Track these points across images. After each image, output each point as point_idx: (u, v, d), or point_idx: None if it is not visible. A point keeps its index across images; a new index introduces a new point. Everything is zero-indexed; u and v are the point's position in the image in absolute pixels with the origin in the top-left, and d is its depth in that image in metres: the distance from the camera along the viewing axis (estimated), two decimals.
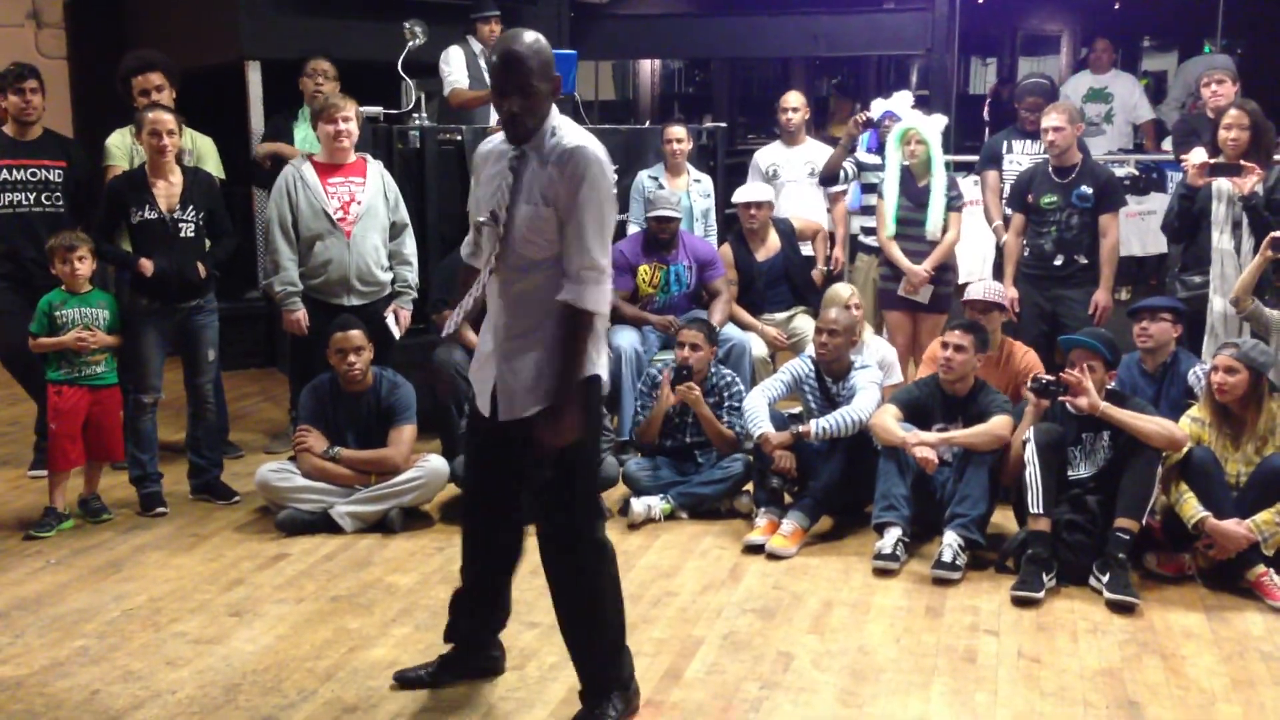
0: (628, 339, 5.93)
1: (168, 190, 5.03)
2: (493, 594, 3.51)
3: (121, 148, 5.60)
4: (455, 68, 6.62)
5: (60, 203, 5.43)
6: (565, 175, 2.97)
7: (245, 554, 4.64)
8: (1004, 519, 4.76)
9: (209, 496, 5.26)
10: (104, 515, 5.00)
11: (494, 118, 6.47)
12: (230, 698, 3.44)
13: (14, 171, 5.34)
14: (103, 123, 5.93)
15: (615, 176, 3.13)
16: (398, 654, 3.72)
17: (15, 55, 6.97)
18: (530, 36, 3.03)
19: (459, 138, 6.38)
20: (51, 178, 5.41)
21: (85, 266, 4.88)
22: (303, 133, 6.17)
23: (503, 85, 3.01)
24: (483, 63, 6.70)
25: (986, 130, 9.57)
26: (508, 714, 3.35)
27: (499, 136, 3.19)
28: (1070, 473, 4.47)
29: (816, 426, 4.80)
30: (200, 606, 4.12)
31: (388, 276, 5.47)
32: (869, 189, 6.55)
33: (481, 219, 3.12)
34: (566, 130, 3.05)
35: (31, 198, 5.37)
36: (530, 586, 4.26)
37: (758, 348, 6.07)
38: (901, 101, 6.55)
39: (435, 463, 4.99)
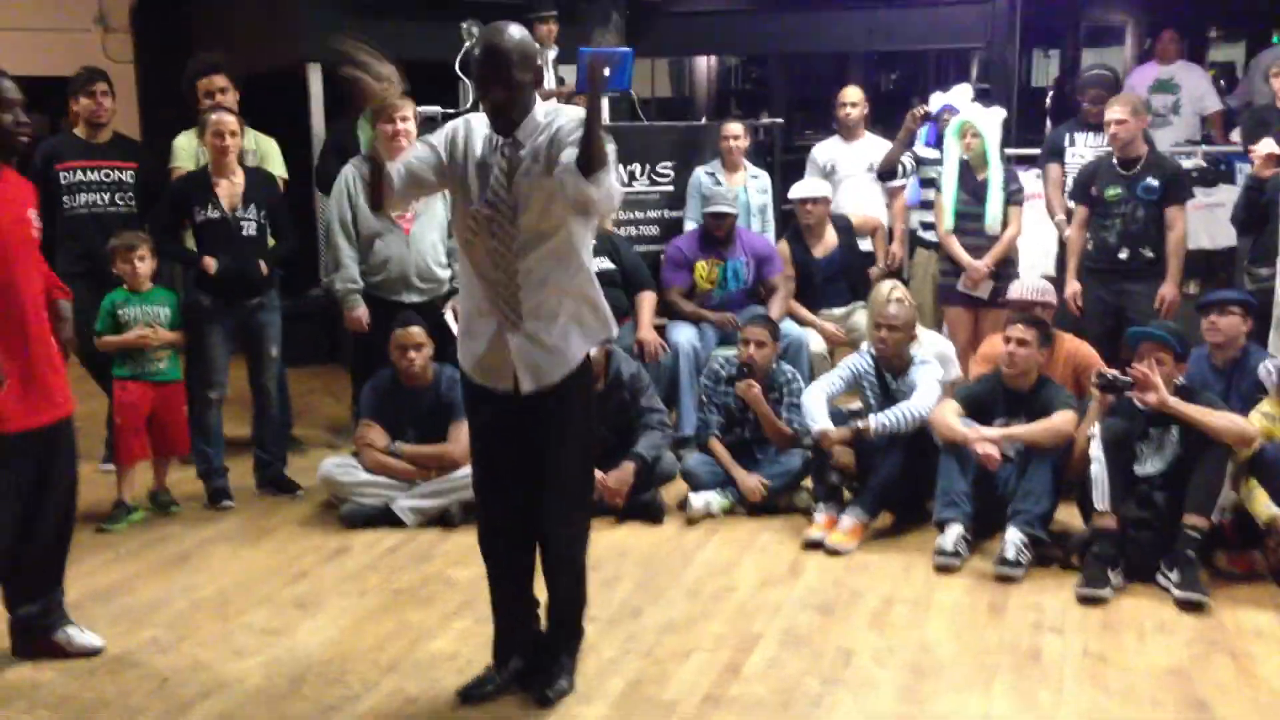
0: (685, 335, 5.93)
1: (230, 190, 5.11)
2: (530, 594, 3.50)
3: (187, 149, 5.70)
4: None
5: (133, 203, 5.53)
6: (553, 129, 3.05)
7: (309, 547, 4.71)
8: (1068, 516, 4.69)
9: (274, 490, 5.35)
10: (172, 508, 5.10)
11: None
12: (296, 688, 3.49)
13: (87, 173, 5.45)
14: (168, 125, 6.03)
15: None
16: (458, 646, 3.76)
17: (83, 60, 7.14)
18: (514, 29, 3.08)
19: None
20: (124, 178, 5.52)
21: (145, 265, 4.98)
22: (365, 134, 6.23)
23: (486, 77, 3.06)
24: (540, 62, 6.72)
25: (1048, 123, 9.44)
26: (566, 707, 3.36)
27: (475, 120, 3.20)
28: (1137, 469, 4.39)
29: (876, 423, 4.77)
30: (266, 598, 4.18)
31: (446, 273, 5.51)
32: (928, 183, 6.49)
33: (476, 206, 3.12)
34: (550, 109, 3.13)
35: (105, 198, 5.48)
36: (589, 581, 4.27)
37: (816, 343, 6.04)
38: (960, 95, 6.47)
39: None
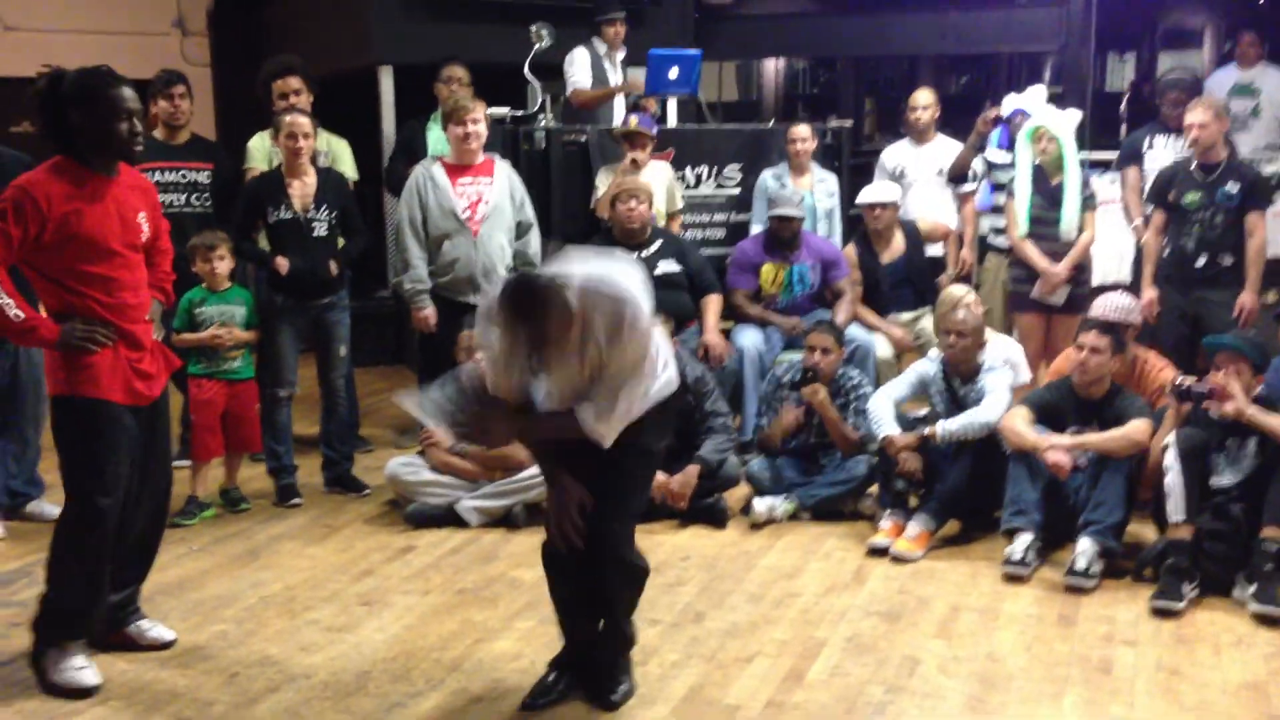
0: (750, 339, 5.90)
1: (302, 191, 5.18)
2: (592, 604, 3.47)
3: (261, 150, 5.79)
4: (579, 69, 6.68)
5: (209, 203, 5.63)
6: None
7: (375, 545, 4.75)
8: (1142, 527, 4.60)
9: (341, 489, 5.41)
10: (243, 505, 5.18)
11: (617, 118, 6.53)
12: (361, 684, 3.52)
13: (165, 174, 5.56)
14: (244, 127, 6.14)
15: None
16: (521, 647, 3.77)
17: (161, 62, 7.29)
18: (537, 303, 3.00)
19: (583, 138, 6.44)
20: (200, 179, 5.62)
21: (224, 265, 5.06)
22: (435, 135, 6.29)
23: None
24: (606, 64, 6.75)
25: (1124, 127, 9.27)
26: (629, 709, 3.36)
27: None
28: (1213, 480, 4.29)
29: (943, 429, 4.71)
30: (333, 595, 4.23)
31: None
32: (999, 188, 6.40)
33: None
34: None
35: (182, 199, 5.58)
36: (651, 584, 4.25)
37: (883, 349, 5.99)
38: (1034, 97, 6.38)
39: None
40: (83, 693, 3.44)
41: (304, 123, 5.13)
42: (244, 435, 5.14)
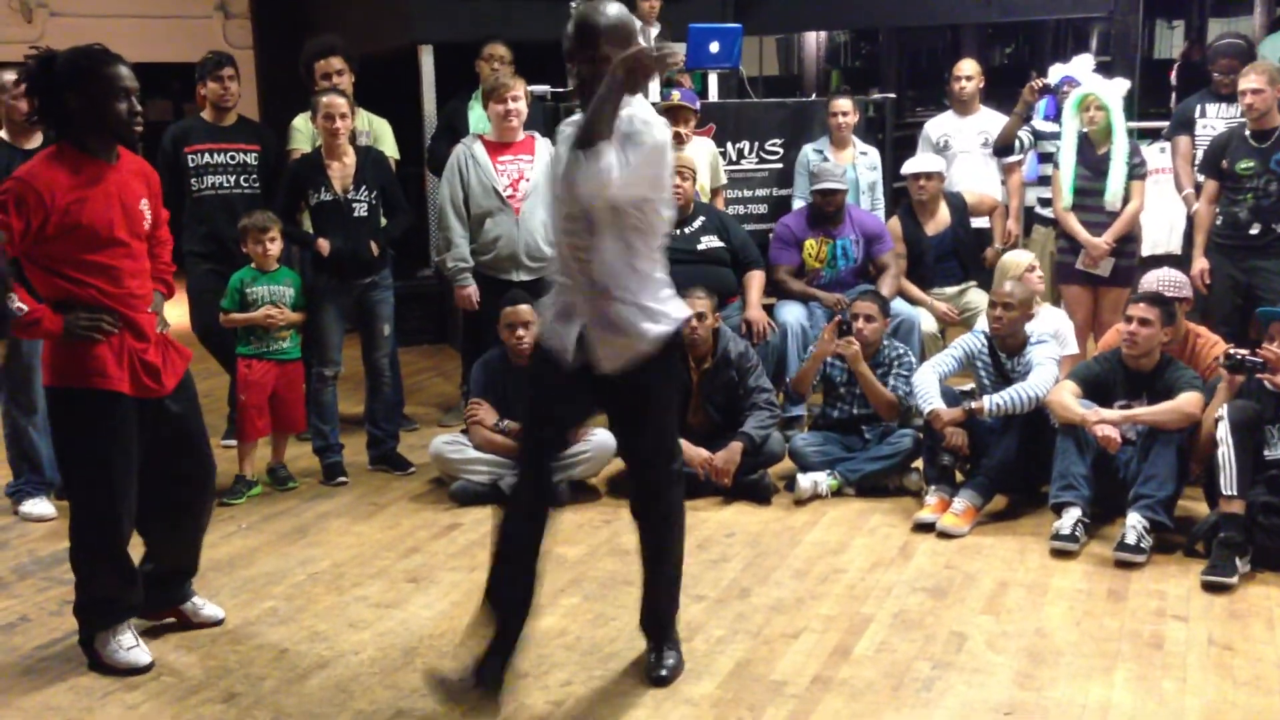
0: (793, 314, 5.86)
1: (342, 171, 5.20)
2: (534, 563, 3.29)
3: (304, 131, 5.81)
4: None
5: (256, 184, 5.66)
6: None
7: (421, 523, 4.79)
8: (1193, 501, 4.53)
9: (386, 467, 5.45)
10: (290, 483, 5.23)
11: (655, 94, 6.49)
12: (409, 660, 3.55)
13: (214, 155, 5.60)
14: (286, 109, 6.17)
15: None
16: (566, 623, 3.78)
17: (205, 46, 7.35)
18: (611, 7, 3.10)
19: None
20: (248, 160, 5.65)
21: (275, 246, 5.09)
22: (476, 114, 6.29)
23: (573, 51, 3.11)
24: (643, 40, 6.70)
25: (1174, 95, 9.09)
26: (675, 685, 3.36)
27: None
28: (1267, 453, 4.21)
29: (990, 403, 4.66)
30: (380, 572, 4.27)
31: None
32: (1046, 158, 6.31)
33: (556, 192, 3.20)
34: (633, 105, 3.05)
35: (231, 180, 5.61)
36: (696, 560, 4.29)
37: (927, 323, 5.93)
38: (1081, 66, 6.28)
39: (602, 437, 5.03)
40: (136, 671, 3.48)
41: (341, 103, 5.14)
42: (291, 415, 5.19)
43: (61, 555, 4.42)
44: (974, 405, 4.70)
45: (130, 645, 3.53)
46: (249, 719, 3.23)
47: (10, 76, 4.68)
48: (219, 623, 3.82)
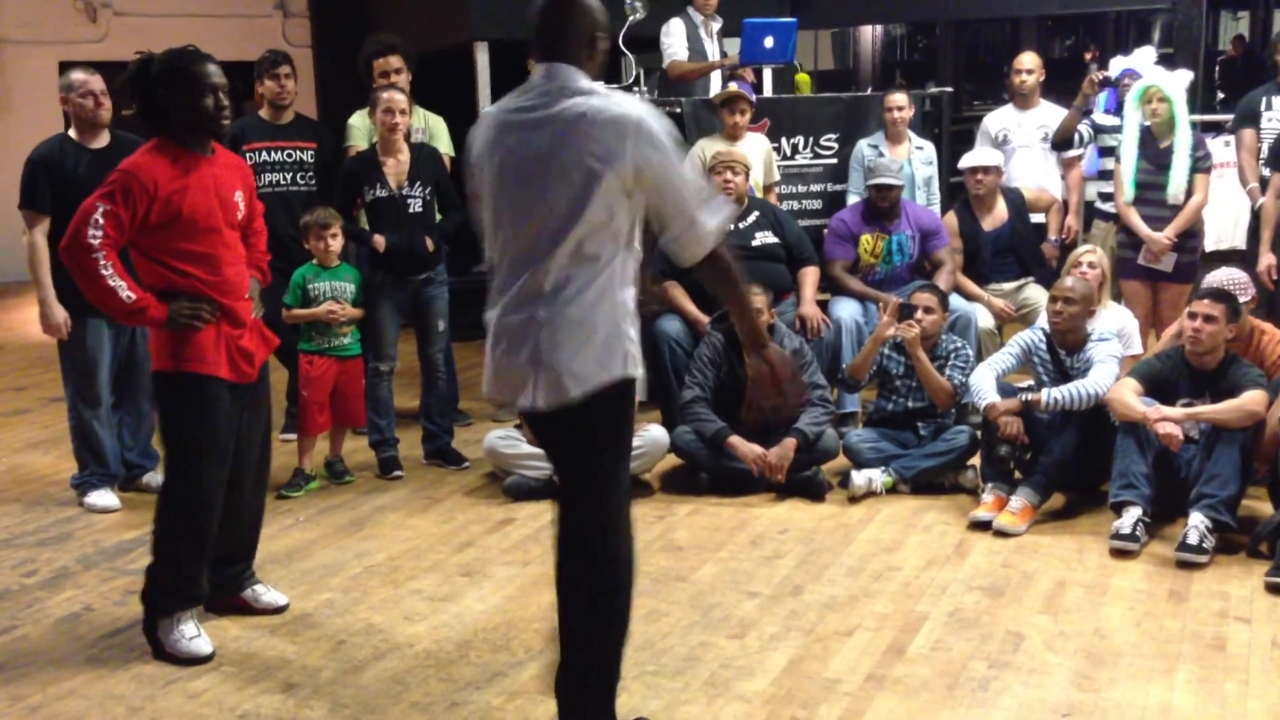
0: (848, 310, 5.83)
1: (396, 168, 5.25)
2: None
3: (361, 128, 5.86)
4: (675, 39, 6.63)
5: (313, 182, 5.72)
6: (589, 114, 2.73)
7: (475, 517, 4.82)
8: (1257, 501, 4.45)
9: (441, 461, 5.49)
10: (347, 477, 5.29)
11: (714, 89, 6.48)
12: (463, 653, 3.58)
13: (271, 153, 5.67)
14: (344, 107, 6.22)
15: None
16: None
17: (264, 44, 7.42)
18: None
19: (678, 110, 6.40)
20: (305, 158, 5.71)
21: (337, 243, 5.15)
22: None
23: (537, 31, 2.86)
24: (703, 33, 6.70)
25: (1218, 92, 8.92)
26: (728, 681, 3.36)
27: None
28: None
29: (1048, 396, 4.60)
30: (434, 566, 4.30)
31: None
32: (1106, 152, 6.22)
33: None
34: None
35: (288, 178, 5.68)
36: (749, 556, 4.28)
37: (984, 319, 5.87)
38: (1143, 58, 6.17)
39: (655, 433, 5.05)
40: (197, 660, 3.55)
41: (400, 99, 5.19)
42: (350, 410, 5.24)
43: (126, 546, 4.53)
44: (1031, 397, 4.64)
45: (193, 635, 3.60)
46: (307, 709, 3.28)
47: (79, 76, 4.78)
48: (281, 609, 3.88)
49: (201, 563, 3.65)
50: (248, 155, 5.63)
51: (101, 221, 3.37)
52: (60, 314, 4.81)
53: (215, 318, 3.53)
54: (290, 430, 5.67)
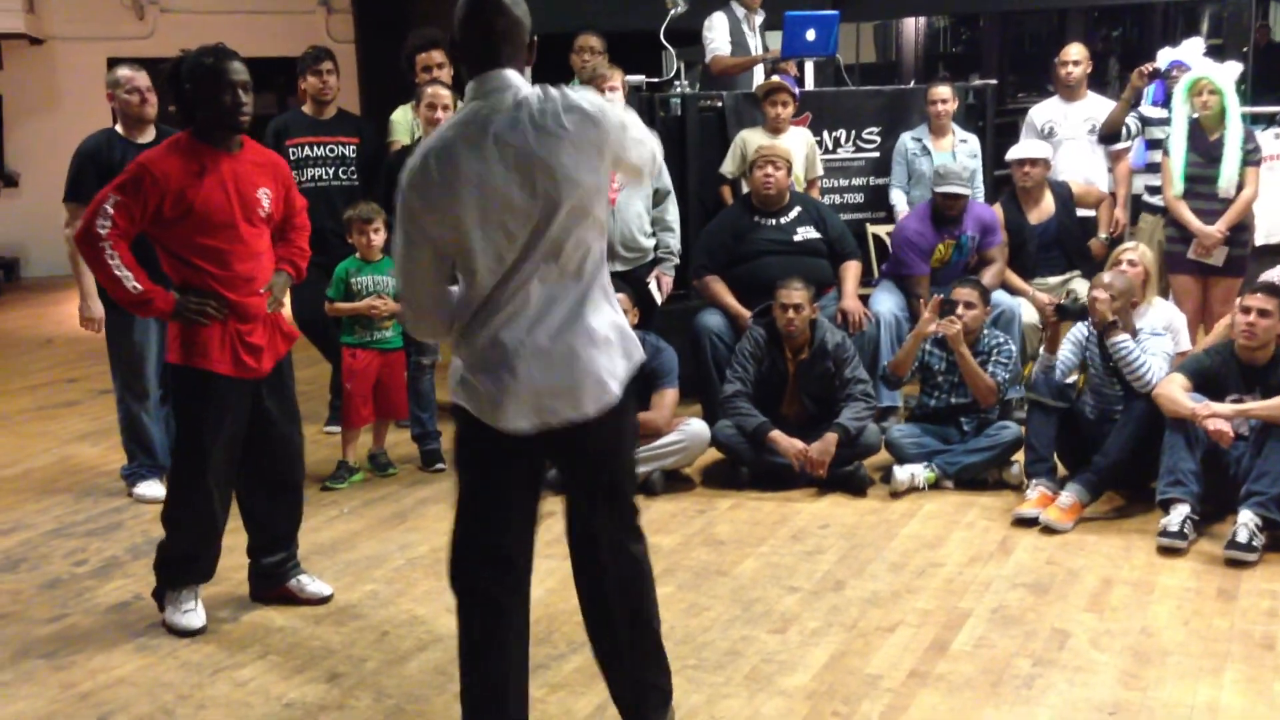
0: (889, 304, 5.79)
1: None
2: (523, 677, 2.88)
3: (403, 123, 5.90)
4: (718, 34, 6.62)
5: (355, 177, 5.75)
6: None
7: None
8: None
9: None
10: (390, 469, 5.33)
11: (757, 82, 6.46)
12: None
13: (314, 148, 5.71)
14: (387, 102, 6.26)
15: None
16: (661, 612, 3.78)
17: (308, 40, 7.49)
18: None
19: (719, 104, 6.39)
20: (347, 153, 5.75)
21: (379, 237, 5.18)
22: None
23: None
24: (745, 27, 6.68)
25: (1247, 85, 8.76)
26: (769, 676, 3.36)
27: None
28: None
29: (1121, 339, 4.53)
30: None
31: (650, 242, 5.54)
32: (1153, 145, 6.14)
33: None
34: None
35: (330, 172, 5.72)
36: (790, 551, 4.28)
37: (1028, 314, 5.81)
38: (1192, 49, 6.09)
39: (696, 427, 5.05)
40: (187, 633, 3.69)
41: (445, 94, 5.21)
42: (393, 402, 5.28)
43: None
44: (1116, 334, 4.55)
45: (188, 609, 3.75)
46: (351, 699, 3.31)
47: (125, 72, 4.84)
48: (325, 599, 3.92)
49: (203, 545, 3.76)
50: (290, 150, 5.68)
51: (111, 212, 3.44)
52: (97, 310, 4.89)
53: (223, 314, 3.57)
54: (334, 423, 5.72)
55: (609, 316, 2.71)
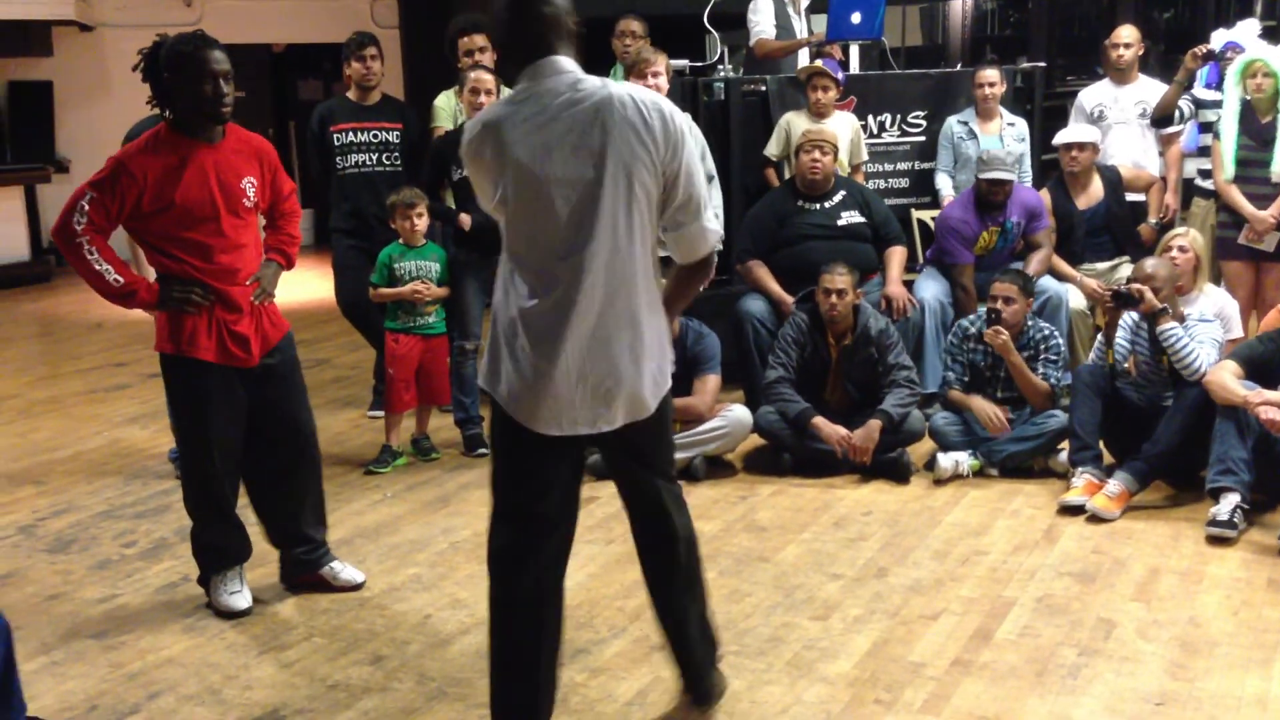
0: (932, 291, 5.73)
1: None
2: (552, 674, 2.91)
3: (446, 108, 5.91)
4: (763, 18, 6.57)
5: (398, 162, 5.78)
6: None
7: None
8: None
9: None
10: (433, 454, 5.36)
11: (801, 64, 6.41)
12: None
13: (358, 134, 5.74)
14: (431, 88, 6.27)
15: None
16: None
17: (353, 26, 7.52)
18: None
19: (763, 88, 6.35)
20: (390, 139, 5.78)
21: (423, 223, 5.20)
22: None
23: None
24: (790, 10, 6.63)
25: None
26: (811, 663, 3.35)
27: None
28: None
29: (1172, 325, 4.47)
30: None
31: None
32: (1206, 128, 6.03)
33: None
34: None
35: (373, 158, 5.75)
36: (833, 538, 4.26)
37: (1075, 300, 5.73)
38: (1246, 31, 5.97)
39: (739, 412, 5.03)
40: (234, 614, 3.74)
41: (487, 79, 5.21)
42: (435, 388, 5.30)
43: None
44: (1165, 322, 4.50)
45: (234, 590, 3.79)
46: (394, 681, 3.33)
47: None
48: (359, 586, 3.95)
49: (221, 529, 3.80)
50: (335, 136, 5.71)
51: (87, 208, 3.43)
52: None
53: (208, 300, 3.56)
54: (378, 407, 5.76)
55: (650, 321, 2.71)
